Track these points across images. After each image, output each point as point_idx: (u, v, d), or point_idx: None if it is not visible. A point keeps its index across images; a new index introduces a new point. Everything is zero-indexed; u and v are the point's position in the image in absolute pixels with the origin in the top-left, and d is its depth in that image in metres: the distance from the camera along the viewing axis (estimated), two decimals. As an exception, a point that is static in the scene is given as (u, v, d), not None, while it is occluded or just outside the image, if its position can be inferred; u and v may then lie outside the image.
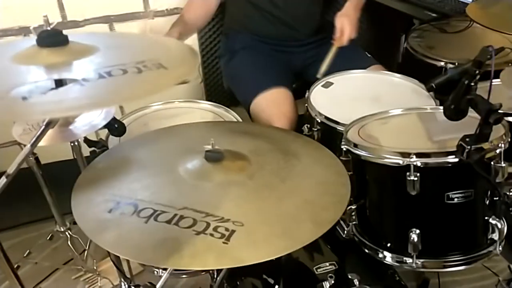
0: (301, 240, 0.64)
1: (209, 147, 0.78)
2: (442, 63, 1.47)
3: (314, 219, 0.69)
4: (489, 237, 0.85)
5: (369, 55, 1.53)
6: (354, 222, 0.96)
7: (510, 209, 0.91)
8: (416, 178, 0.80)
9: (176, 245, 0.62)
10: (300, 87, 1.62)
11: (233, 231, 0.64)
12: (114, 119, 1.05)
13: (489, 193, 0.84)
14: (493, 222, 0.84)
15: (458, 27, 1.63)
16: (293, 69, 1.56)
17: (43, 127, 0.64)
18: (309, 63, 1.56)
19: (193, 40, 1.80)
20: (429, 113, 0.99)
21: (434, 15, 1.63)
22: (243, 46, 1.50)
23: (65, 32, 0.64)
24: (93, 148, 1.06)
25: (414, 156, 0.79)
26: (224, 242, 0.62)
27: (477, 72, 0.71)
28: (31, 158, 1.36)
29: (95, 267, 1.49)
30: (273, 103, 1.34)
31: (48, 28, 0.63)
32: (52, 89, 0.50)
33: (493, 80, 0.83)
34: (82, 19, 1.64)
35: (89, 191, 0.76)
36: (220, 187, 0.75)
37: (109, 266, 1.54)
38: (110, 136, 1.12)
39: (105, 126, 1.04)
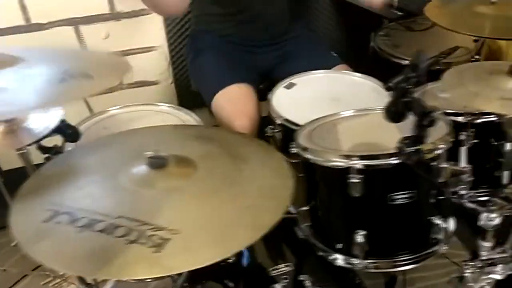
0: (235, 246, 0.64)
1: (151, 153, 0.78)
2: (407, 62, 1.48)
3: (252, 224, 0.68)
4: (434, 236, 0.86)
5: (335, 55, 1.53)
6: (308, 224, 0.97)
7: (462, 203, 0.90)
8: (358, 180, 0.80)
9: (108, 255, 0.61)
10: (267, 88, 1.62)
11: (167, 240, 0.64)
12: (67, 124, 1.04)
13: (433, 193, 0.85)
14: (438, 222, 0.84)
15: (424, 25, 1.63)
16: (259, 69, 1.55)
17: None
18: (276, 63, 1.56)
19: (161, 39, 1.79)
20: (380, 114, 0.99)
21: (400, 13, 1.64)
22: (207, 46, 1.49)
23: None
24: (48, 155, 1.05)
25: (357, 158, 0.80)
26: (156, 251, 0.62)
27: (413, 75, 0.71)
28: (-8, 164, 1.35)
29: (61, 273, 1.48)
30: (234, 100, 1.31)
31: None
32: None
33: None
34: (47, 21, 1.62)
35: (30, 200, 0.75)
36: (162, 194, 0.75)
37: (77, 271, 1.53)
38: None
39: (58, 132, 1.04)
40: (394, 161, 0.78)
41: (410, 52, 1.51)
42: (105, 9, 1.66)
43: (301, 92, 1.30)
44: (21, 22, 1.59)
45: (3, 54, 0.63)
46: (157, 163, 0.78)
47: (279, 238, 1.19)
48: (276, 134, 1.19)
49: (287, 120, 1.15)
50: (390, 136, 0.87)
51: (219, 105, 1.33)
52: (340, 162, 0.82)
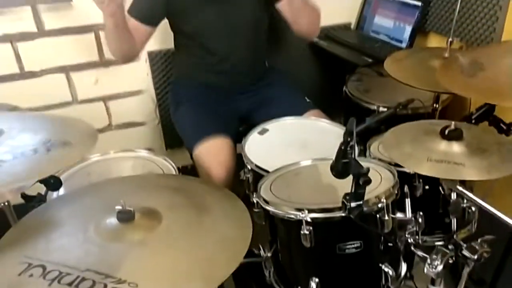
0: (187, 299, 0.71)
1: (119, 207, 0.85)
2: (375, 106, 1.58)
3: (205, 277, 0.75)
4: (384, 283, 0.93)
5: (308, 100, 1.62)
6: (272, 269, 1.03)
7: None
8: (308, 232, 0.87)
9: (72, 309, 0.68)
10: (246, 130, 1.71)
11: (126, 293, 0.71)
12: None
13: (381, 241, 0.92)
14: (386, 269, 0.91)
15: (393, 70, 1.73)
16: (238, 114, 1.64)
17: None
18: (253, 107, 1.65)
19: (148, 84, 1.90)
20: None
21: (370, 60, 1.74)
22: (187, 98, 1.60)
23: None
24: (31, 204, 1.13)
25: (306, 211, 0.87)
26: (116, 304, 0.69)
27: (349, 140, 0.80)
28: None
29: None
30: (212, 153, 1.43)
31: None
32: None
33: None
34: (39, 69, 1.73)
35: (7, 252, 0.82)
36: (128, 247, 0.82)
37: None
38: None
39: (40, 181, 1.12)
40: (341, 213, 0.85)
41: (379, 97, 1.63)
42: (95, 57, 1.77)
43: (273, 138, 1.39)
44: (15, 70, 1.70)
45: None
46: (125, 217, 0.85)
47: (250, 279, 1.25)
48: (249, 178, 1.27)
49: (257, 166, 1.23)
50: (347, 184, 0.94)
51: (199, 158, 1.44)
52: (292, 215, 0.89)
